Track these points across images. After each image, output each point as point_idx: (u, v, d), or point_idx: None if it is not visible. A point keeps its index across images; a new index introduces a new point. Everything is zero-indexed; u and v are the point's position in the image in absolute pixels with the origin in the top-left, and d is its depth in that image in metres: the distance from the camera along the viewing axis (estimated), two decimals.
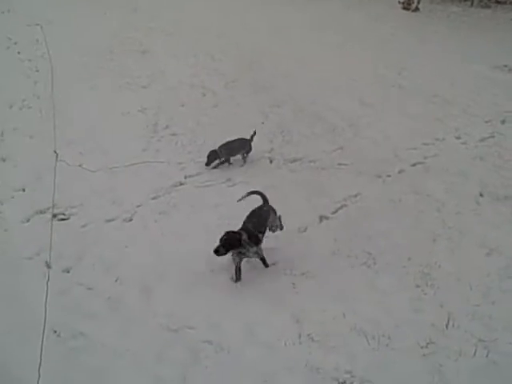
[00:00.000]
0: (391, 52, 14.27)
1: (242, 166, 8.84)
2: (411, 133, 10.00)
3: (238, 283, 6.48)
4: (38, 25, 13.63)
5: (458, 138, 9.93)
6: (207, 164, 8.64)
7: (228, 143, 8.75)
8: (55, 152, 8.47)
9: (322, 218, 7.70)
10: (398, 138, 9.79)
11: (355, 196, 8.15)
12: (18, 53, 12.24)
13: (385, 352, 5.59)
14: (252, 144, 8.85)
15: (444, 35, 16.52)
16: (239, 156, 8.90)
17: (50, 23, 13.81)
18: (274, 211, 7.09)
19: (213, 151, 8.66)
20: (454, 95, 11.73)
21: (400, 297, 6.32)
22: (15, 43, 12.63)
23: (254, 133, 8.82)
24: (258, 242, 6.50)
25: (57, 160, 8.19)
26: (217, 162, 8.73)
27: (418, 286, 6.47)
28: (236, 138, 8.82)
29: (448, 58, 14.09)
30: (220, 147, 8.69)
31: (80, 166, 8.27)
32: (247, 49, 13.63)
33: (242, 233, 6.36)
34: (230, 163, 8.87)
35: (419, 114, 10.82)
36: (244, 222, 6.70)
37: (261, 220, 6.79)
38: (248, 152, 8.90)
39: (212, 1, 17.22)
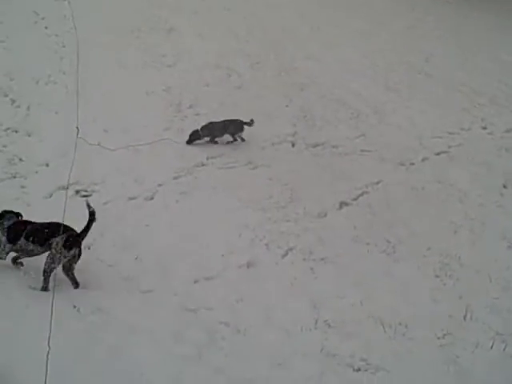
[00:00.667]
0: (419, 39, 14.05)
1: (231, 143, 8.94)
2: (436, 121, 9.91)
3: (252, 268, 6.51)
4: (65, 0, 13.60)
5: (484, 128, 9.82)
6: (188, 142, 8.69)
7: (210, 123, 8.80)
8: (77, 128, 8.50)
9: (342, 203, 7.69)
10: (422, 125, 9.69)
11: (377, 183, 8.11)
12: (45, 28, 12.20)
13: (401, 341, 5.59)
14: (245, 127, 8.85)
15: (475, 23, 16.22)
16: (228, 136, 8.91)
17: None
18: None
19: (195, 131, 8.70)
20: (481, 85, 11.57)
21: (419, 286, 6.32)
22: (42, 18, 12.58)
23: (251, 121, 8.82)
24: None
25: (77, 136, 8.22)
26: (198, 141, 8.75)
27: (437, 277, 6.46)
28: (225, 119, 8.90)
29: (477, 46, 13.87)
30: (202, 127, 8.72)
31: (98, 144, 8.24)
32: (273, 30, 13.49)
33: None
34: (214, 142, 8.86)
35: (445, 102, 10.70)
36: None
37: None
38: (236, 133, 8.89)
39: None
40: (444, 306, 6.03)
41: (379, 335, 5.66)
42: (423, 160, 8.73)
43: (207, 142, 8.81)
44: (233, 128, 8.84)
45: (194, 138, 8.71)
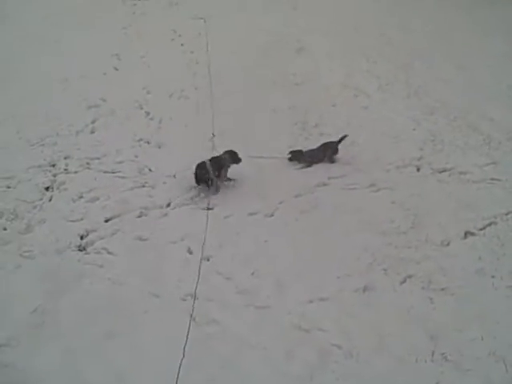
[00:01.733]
0: None
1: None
2: None
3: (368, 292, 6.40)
4: (201, 19, 14.17)
5: None
6: (290, 159, 8.73)
7: (311, 151, 8.77)
8: (213, 134, 8.89)
9: (467, 233, 7.37)
10: None
11: (506, 214, 7.70)
12: (181, 45, 12.79)
13: None
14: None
15: None
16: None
17: (212, 17, 14.29)
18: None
19: (299, 151, 8.74)
20: None
21: None
22: (179, 36, 13.20)
23: (344, 136, 8.82)
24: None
25: (213, 138, 8.65)
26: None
27: None
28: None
29: None
30: (305, 152, 8.74)
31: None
32: (403, 51, 13.25)
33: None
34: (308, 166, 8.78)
35: None
36: None
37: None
38: (332, 156, 8.82)
39: (373, 1, 16.92)
40: None
41: (500, 374, 5.40)
42: None
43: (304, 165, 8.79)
44: (330, 152, 8.78)
45: (295, 158, 8.73)
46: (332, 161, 8.82)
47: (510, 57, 13.19)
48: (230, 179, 8.25)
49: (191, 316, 5.89)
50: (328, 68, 12.06)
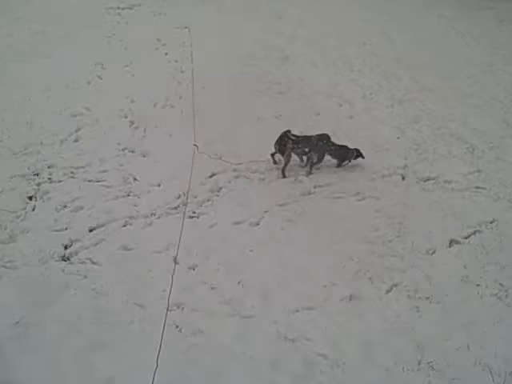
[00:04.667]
0: None
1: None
2: None
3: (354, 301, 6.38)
4: (185, 28, 14.20)
5: None
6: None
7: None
8: (195, 145, 8.87)
9: (452, 241, 7.39)
10: None
11: (491, 222, 7.74)
12: (166, 54, 12.80)
13: None
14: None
15: None
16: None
17: (197, 26, 14.32)
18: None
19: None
20: None
21: None
22: (164, 45, 13.22)
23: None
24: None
25: (196, 152, 8.64)
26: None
27: None
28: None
29: None
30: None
31: (220, 158, 8.77)
32: (387, 60, 13.37)
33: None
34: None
35: None
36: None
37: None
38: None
39: (357, 11, 17.06)
40: None
41: (486, 383, 5.37)
42: None
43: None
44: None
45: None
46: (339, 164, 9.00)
47: (492, 67, 13.36)
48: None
49: (165, 323, 5.82)
50: (312, 77, 12.13)
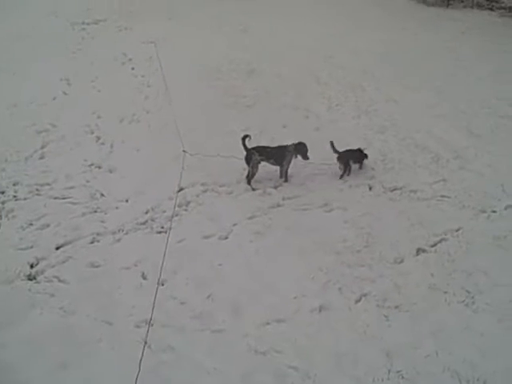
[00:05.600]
0: (504, 83, 13.67)
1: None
2: None
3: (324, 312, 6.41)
4: (151, 42, 14.18)
5: None
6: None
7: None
8: (184, 151, 8.98)
9: (419, 250, 7.48)
10: (506, 172, 9.33)
11: (457, 230, 7.85)
12: (132, 69, 12.77)
13: None
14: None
15: None
16: None
17: (163, 41, 14.32)
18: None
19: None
20: None
21: (499, 340, 6.03)
22: (130, 59, 13.19)
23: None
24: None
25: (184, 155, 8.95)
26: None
27: None
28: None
29: None
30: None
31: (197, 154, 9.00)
32: (353, 72, 13.52)
33: None
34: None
35: None
36: None
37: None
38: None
39: (323, 24, 17.19)
40: None
41: None
42: (506, 208, 8.39)
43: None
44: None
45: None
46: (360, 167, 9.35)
47: (455, 77, 13.59)
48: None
49: (145, 343, 5.77)
50: (279, 90, 12.19)
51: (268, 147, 8.89)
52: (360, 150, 9.32)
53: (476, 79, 13.54)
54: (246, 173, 8.78)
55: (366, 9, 19.31)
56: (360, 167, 9.31)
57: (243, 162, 8.79)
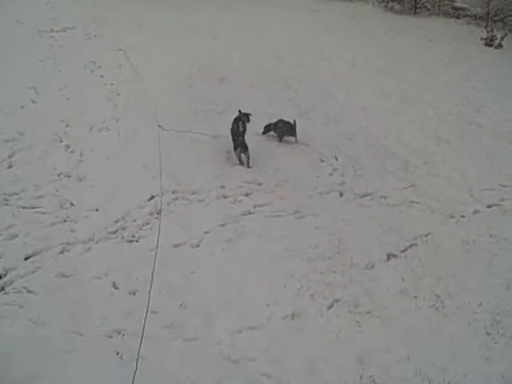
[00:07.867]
0: (471, 89, 13.96)
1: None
2: (488, 173, 9.75)
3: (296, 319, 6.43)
4: (121, 50, 14.10)
5: None
6: (263, 133, 10.64)
7: (280, 121, 10.50)
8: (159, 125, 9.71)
9: (390, 255, 7.56)
10: (474, 177, 9.53)
11: (426, 235, 7.97)
12: (101, 77, 12.65)
13: None
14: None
15: None
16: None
17: (133, 48, 14.24)
18: None
19: (268, 125, 10.61)
20: None
21: (469, 344, 6.11)
22: (99, 67, 13.06)
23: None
24: None
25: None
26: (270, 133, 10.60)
27: (488, 334, 6.25)
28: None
29: None
30: (274, 123, 10.53)
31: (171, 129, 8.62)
32: (322, 79, 13.64)
33: None
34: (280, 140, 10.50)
35: (497, 153, 10.54)
36: None
37: None
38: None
39: (294, 31, 17.33)
40: (496, 366, 5.80)
41: None
42: (474, 213, 8.55)
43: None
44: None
45: (266, 130, 10.55)
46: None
47: (422, 84, 13.81)
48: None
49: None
50: (249, 97, 12.22)
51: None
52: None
53: (443, 86, 13.79)
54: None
55: (335, 16, 19.57)
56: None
57: (214, 171, 8.82)
